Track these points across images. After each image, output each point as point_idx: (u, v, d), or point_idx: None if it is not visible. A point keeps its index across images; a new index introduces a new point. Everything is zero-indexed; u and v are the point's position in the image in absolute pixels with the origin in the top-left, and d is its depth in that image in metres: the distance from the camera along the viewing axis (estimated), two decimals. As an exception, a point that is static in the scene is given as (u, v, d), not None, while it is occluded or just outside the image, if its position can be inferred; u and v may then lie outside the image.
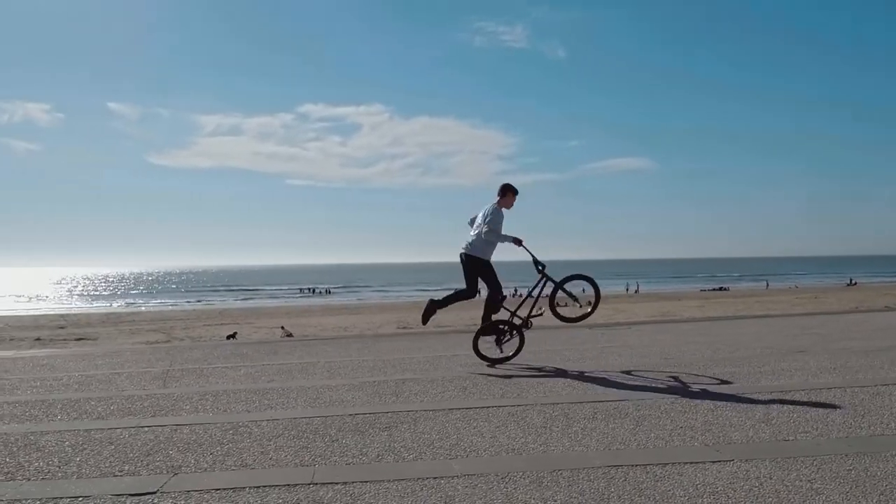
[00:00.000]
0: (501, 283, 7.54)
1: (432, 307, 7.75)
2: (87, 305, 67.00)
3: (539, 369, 7.02)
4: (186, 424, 4.79)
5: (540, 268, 7.44)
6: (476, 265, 7.48)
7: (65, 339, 22.08)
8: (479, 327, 7.70)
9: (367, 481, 3.42)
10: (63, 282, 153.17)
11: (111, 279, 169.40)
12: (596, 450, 3.92)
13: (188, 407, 5.45)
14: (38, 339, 23.17)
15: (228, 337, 16.68)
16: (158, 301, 73.81)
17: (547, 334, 11.22)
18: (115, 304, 67.83)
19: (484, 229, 7.33)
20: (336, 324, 28.28)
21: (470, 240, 7.53)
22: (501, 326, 7.60)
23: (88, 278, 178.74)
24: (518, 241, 7.37)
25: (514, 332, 7.59)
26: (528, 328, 7.58)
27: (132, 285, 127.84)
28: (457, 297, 7.70)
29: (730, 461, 3.62)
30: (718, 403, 5.05)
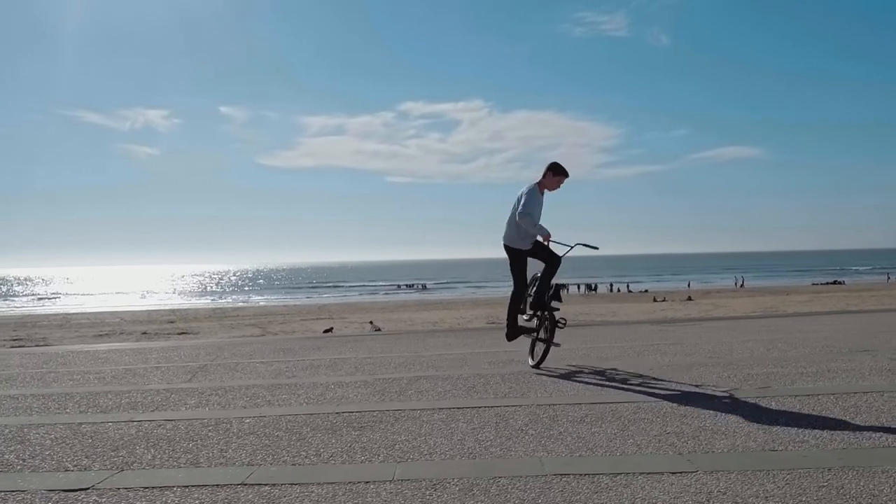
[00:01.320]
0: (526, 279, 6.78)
1: (514, 329, 6.98)
2: (198, 301, 70.60)
3: (569, 367, 6.70)
4: (175, 420, 4.85)
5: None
6: (511, 256, 6.78)
7: (168, 333, 23.30)
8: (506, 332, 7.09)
9: (296, 484, 3.33)
10: (181, 278, 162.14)
11: (223, 276, 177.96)
12: (557, 456, 3.66)
13: (193, 402, 5.54)
14: (144, 332, 24.59)
15: (325, 331, 17.20)
16: (264, 296, 76.90)
17: (595, 331, 10.84)
18: (223, 300, 71.20)
19: (519, 211, 6.49)
20: (427, 319, 28.52)
21: (506, 228, 6.79)
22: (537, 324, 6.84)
23: (203, 275, 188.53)
24: (546, 237, 6.60)
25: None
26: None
27: (242, 281, 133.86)
28: (513, 303, 6.90)
29: (692, 472, 3.29)
30: (725, 407, 4.65)
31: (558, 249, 6.84)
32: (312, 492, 3.21)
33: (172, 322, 33.48)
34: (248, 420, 4.80)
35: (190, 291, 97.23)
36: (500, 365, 7.05)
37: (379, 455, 3.83)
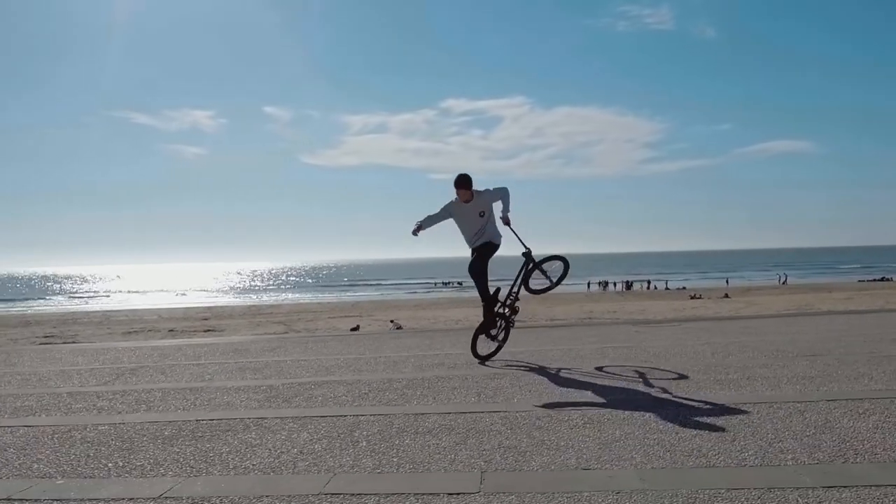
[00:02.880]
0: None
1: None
2: (237, 298, 71.94)
3: (529, 368, 6.76)
4: (20, 426, 4.88)
5: (525, 251, 7.33)
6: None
7: (194, 331, 23.76)
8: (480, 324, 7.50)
9: (57, 500, 3.27)
10: (226, 276, 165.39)
11: (266, 273, 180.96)
12: (356, 471, 3.59)
13: (78, 406, 5.58)
14: (171, 330, 25.18)
15: (352, 329, 17.41)
16: (301, 294, 78.00)
17: (567, 332, 10.73)
18: (262, 297, 72.43)
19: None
20: (451, 317, 28.54)
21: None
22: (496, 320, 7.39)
23: (247, 273, 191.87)
24: (506, 221, 7.19)
25: (504, 324, 7.41)
26: (515, 314, 7.44)
27: (283, 279, 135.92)
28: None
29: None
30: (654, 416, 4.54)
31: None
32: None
33: (206, 319, 34.18)
34: (102, 427, 4.76)
35: (232, 288, 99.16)
36: (439, 368, 7.06)
37: (176, 468, 3.73)
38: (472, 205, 7.15)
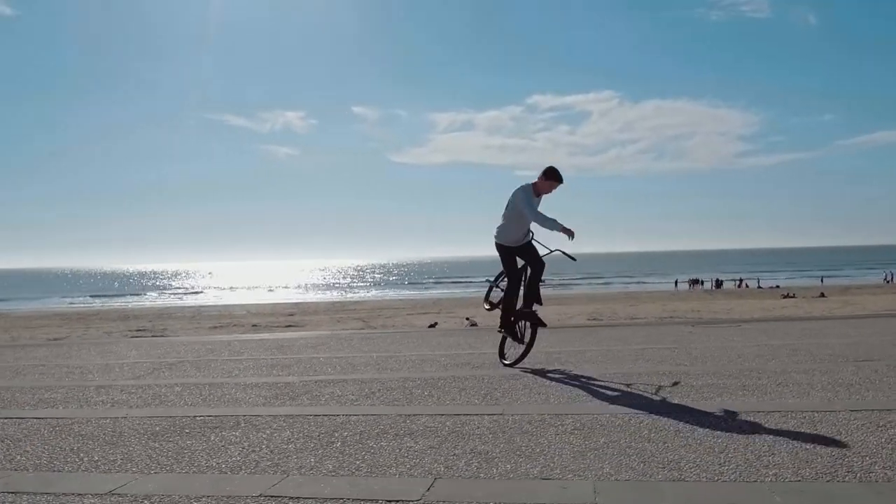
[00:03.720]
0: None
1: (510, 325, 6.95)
2: (325, 295, 73.60)
3: (554, 370, 6.55)
4: (131, 417, 5.02)
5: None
6: (503, 254, 6.88)
7: (275, 326, 24.57)
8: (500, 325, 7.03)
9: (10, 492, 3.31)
10: (320, 272, 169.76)
11: (357, 270, 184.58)
12: (298, 474, 3.50)
13: (172, 398, 5.77)
14: (254, 325, 26.09)
15: (430, 326, 17.58)
16: (385, 290, 79.16)
17: (606, 333, 10.37)
18: (350, 294, 73.91)
19: (533, 217, 6.56)
20: None
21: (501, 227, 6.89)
22: (518, 323, 6.90)
23: (338, 270, 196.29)
24: (570, 233, 6.36)
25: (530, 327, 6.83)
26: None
27: (373, 276, 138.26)
28: (509, 299, 6.91)
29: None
30: (662, 422, 4.30)
31: (539, 250, 6.86)
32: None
33: (291, 315, 35.25)
34: (103, 421, 4.87)
35: (319, 285, 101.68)
36: (464, 367, 6.94)
37: (143, 464, 3.74)
38: (538, 202, 6.76)
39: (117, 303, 62.37)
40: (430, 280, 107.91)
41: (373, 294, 72.88)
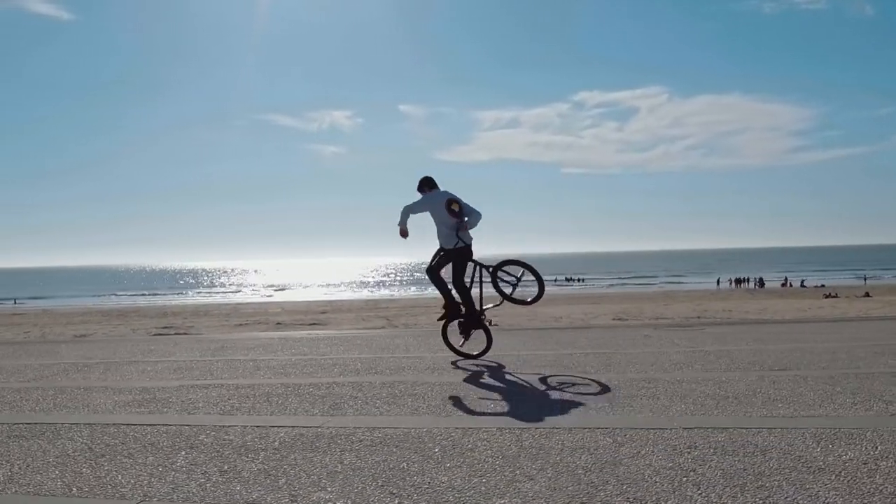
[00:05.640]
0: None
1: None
2: (361, 292, 73.93)
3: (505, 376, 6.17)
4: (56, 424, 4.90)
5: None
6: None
7: (300, 324, 24.53)
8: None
9: None
10: (370, 270, 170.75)
11: (398, 267, 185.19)
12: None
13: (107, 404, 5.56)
14: (279, 323, 26.13)
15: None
16: (423, 288, 79.03)
17: (571, 335, 9.88)
18: (382, 292, 74.11)
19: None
20: (558, 314, 27.88)
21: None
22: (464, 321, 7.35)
23: (381, 267, 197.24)
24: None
25: (480, 328, 7.29)
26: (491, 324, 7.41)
27: (412, 273, 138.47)
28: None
29: None
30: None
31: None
32: None
33: (323, 312, 35.38)
34: (33, 425, 4.65)
35: (362, 283, 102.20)
36: (441, 373, 6.60)
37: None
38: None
39: (161, 300, 63.58)
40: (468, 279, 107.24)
41: (411, 291, 72.94)
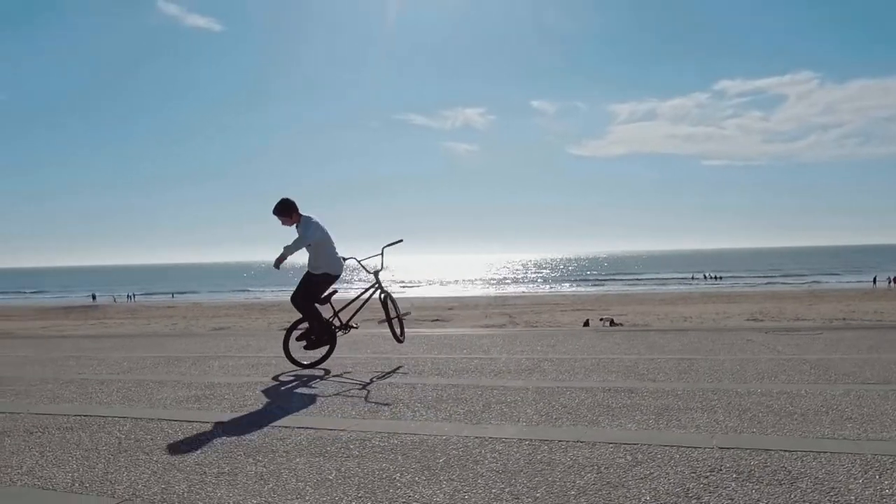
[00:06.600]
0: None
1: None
2: (488, 289, 74.04)
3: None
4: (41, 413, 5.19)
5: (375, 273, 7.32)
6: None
7: (423, 320, 25.10)
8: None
9: None
10: (503, 267, 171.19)
11: (530, 264, 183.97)
12: None
13: (143, 395, 5.83)
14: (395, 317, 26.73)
15: (584, 325, 17.07)
16: (552, 286, 78.15)
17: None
18: (509, 289, 73.83)
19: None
20: (689, 313, 26.84)
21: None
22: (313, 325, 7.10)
23: (514, 264, 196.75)
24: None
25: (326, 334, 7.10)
26: (345, 332, 7.32)
27: (542, 270, 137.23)
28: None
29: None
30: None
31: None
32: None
33: (450, 309, 35.89)
34: (17, 415, 4.91)
35: (491, 280, 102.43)
36: (472, 375, 6.40)
37: None
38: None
39: (277, 294, 66.59)
40: (596, 275, 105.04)
41: (543, 289, 72.32)
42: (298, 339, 7.18)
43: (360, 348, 8.83)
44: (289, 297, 7.45)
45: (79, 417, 4.99)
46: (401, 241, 7.59)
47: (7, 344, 11.57)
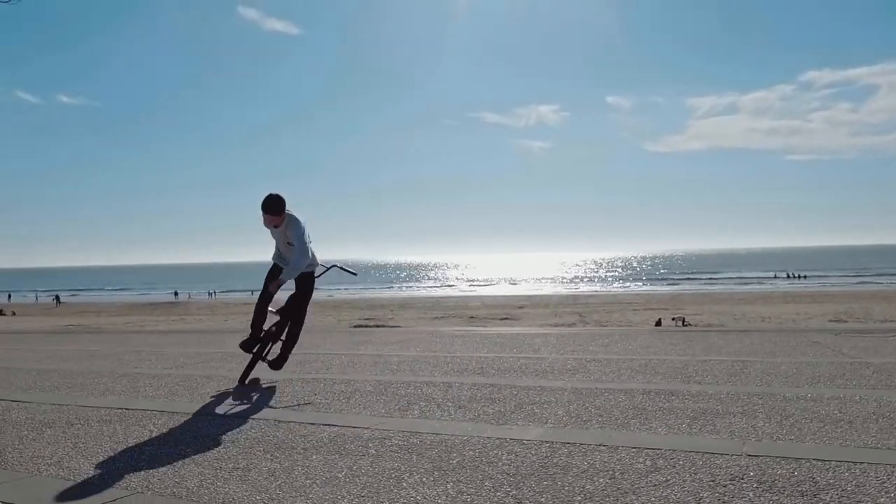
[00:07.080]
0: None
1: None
2: (560, 288, 73.32)
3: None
4: (66, 405, 5.40)
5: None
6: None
7: (491, 319, 25.08)
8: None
9: None
10: (575, 266, 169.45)
11: (606, 263, 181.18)
12: None
13: (155, 390, 6.03)
14: (472, 317, 26.85)
15: (655, 324, 16.79)
16: (627, 284, 76.73)
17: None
18: (583, 287, 72.88)
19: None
20: (768, 313, 25.96)
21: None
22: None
23: (591, 262, 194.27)
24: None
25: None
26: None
27: (616, 269, 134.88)
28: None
29: None
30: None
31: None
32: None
33: (521, 307, 35.73)
34: (31, 405, 5.06)
35: (565, 278, 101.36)
36: (514, 374, 6.30)
37: None
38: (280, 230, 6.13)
39: (369, 293, 67.90)
40: (677, 274, 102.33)
41: (616, 288, 71.17)
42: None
43: (410, 346, 8.84)
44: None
45: (120, 411, 5.15)
46: (355, 274, 7.23)
47: (82, 339, 12.15)
